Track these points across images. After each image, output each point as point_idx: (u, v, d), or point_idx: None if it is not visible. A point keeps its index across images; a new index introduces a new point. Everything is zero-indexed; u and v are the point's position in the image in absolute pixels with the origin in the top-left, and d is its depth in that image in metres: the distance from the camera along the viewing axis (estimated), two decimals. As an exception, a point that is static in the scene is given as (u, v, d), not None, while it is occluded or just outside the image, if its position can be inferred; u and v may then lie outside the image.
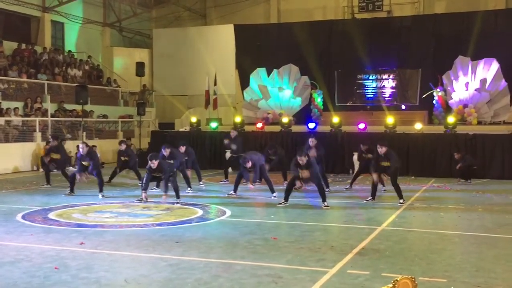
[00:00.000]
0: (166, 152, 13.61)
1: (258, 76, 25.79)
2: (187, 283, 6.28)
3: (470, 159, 16.29)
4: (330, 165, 18.17)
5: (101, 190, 13.19)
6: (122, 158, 15.61)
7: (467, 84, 22.88)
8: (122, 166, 15.76)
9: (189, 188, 13.93)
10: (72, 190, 13.44)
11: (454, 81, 23.27)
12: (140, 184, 15.12)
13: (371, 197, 12.38)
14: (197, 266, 6.99)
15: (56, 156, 15.00)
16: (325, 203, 11.56)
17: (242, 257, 7.42)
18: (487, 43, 22.75)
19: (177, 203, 11.93)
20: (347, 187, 14.70)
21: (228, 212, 10.97)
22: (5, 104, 20.11)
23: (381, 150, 12.22)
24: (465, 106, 22.25)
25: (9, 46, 23.83)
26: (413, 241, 8.72)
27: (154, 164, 11.97)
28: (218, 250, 7.89)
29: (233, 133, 16.49)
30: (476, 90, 22.51)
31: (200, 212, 11.11)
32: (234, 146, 15.91)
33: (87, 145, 13.62)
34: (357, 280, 6.40)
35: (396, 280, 3.67)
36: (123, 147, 15.82)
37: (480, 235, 9.08)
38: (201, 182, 15.25)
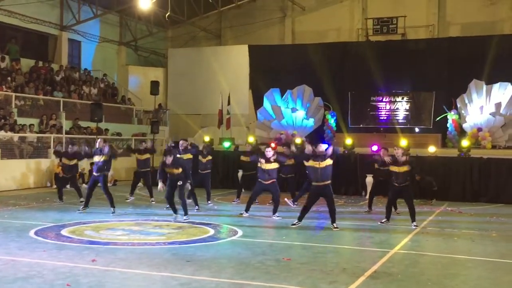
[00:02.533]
0: (182, 146, 13.98)
1: (271, 97, 25.92)
2: (198, 303, 6.26)
3: (429, 180, 16.45)
4: (343, 186, 18.14)
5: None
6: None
7: (481, 108, 22.80)
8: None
9: (197, 207, 13.92)
10: (86, 205, 13.52)
11: (468, 104, 23.22)
12: (152, 201, 15.27)
13: (385, 219, 12.27)
14: (208, 286, 6.97)
15: (73, 161, 14.93)
16: (334, 224, 11.56)
17: (253, 278, 7.39)
18: (502, 67, 22.72)
19: (185, 220, 11.90)
20: (366, 210, 14.36)
21: (240, 232, 10.94)
22: (21, 121, 20.33)
23: (398, 151, 12.07)
24: (479, 129, 22.15)
25: (27, 63, 24.17)
26: (426, 265, 8.63)
27: (168, 160, 12.05)
28: (229, 270, 7.87)
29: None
30: (490, 114, 22.42)
31: (211, 231, 11.09)
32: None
33: (104, 141, 13.96)
34: (369, 304, 6.35)
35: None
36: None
37: (495, 260, 8.98)
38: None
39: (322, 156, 11.34)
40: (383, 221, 12.27)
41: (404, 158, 12.06)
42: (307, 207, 11.79)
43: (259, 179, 12.95)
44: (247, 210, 13.25)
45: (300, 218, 11.79)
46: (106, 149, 13.47)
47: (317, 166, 11.33)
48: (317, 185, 11.49)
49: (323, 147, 11.49)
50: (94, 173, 13.58)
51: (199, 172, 15.07)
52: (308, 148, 11.74)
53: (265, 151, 13.10)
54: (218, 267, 7.97)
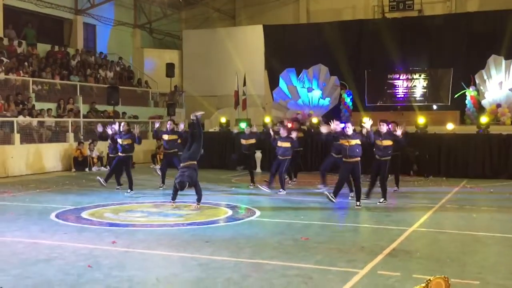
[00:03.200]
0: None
1: (287, 77, 25.79)
2: (217, 283, 6.32)
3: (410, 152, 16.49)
4: (362, 166, 18.03)
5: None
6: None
7: (500, 84, 22.49)
8: None
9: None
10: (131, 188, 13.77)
11: (487, 80, 22.91)
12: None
13: (383, 199, 12.17)
14: (227, 266, 7.02)
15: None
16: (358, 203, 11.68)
17: (272, 257, 7.42)
18: (522, 41, 22.33)
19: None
20: (395, 189, 14.03)
21: (258, 213, 10.98)
22: (39, 105, 20.51)
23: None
24: (499, 106, 21.88)
25: (43, 48, 24.30)
26: (445, 242, 8.60)
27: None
28: (247, 250, 7.91)
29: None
30: (510, 89, 22.10)
31: (229, 212, 11.15)
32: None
33: (128, 124, 14.16)
34: (388, 281, 6.35)
35: (429, 279, 3.62)
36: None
37: (514, 237, 8.92)
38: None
39: (351, 135, 11.59)
40: (381, 201, 12.13)
41: (384, 130, 12.07)
42: (341, 183, 11.90)
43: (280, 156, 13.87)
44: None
45: (335, 194, 11.75)
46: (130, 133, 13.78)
47: (346, 144, 11.54)
48: (346, 161, 11.68)
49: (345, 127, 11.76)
50: (120, 154, 13.72)
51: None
52: (329, 128, 12.05)
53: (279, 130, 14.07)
54: (237, 247, 8.02)
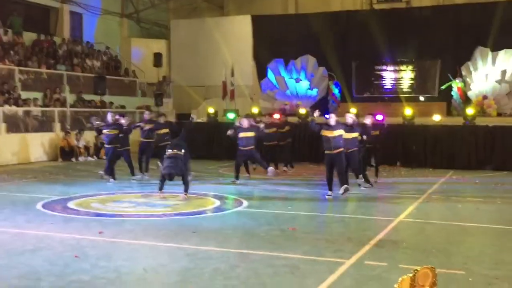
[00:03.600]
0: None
1: (275, 67, 25.77)
2: (205, 273, 6.32)
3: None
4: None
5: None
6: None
7: (486, 75, 22.63)
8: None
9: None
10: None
11: (473, 72, 23.05)
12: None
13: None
14: (214, 256, 7.03)
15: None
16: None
17: (259, 247, 7.45)
18: (508, 33, 22.42)
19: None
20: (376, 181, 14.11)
21: (245, 203, 10.99)
22: (25, 95, 20.32)
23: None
24: (485, 97, 22.04)
25: (29, 37, 24.05)
26: (431, 233, 8.66)
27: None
28: (235, 240, 7.93)
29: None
30: (496, 81, 22.26)
31: (217, 202, 11.15)
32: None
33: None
34: (375, 272, 6.40)
35: (416, 270, 3.65)
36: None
37: (500, 227, 9.02)
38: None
39: (333, 126, 11.47)
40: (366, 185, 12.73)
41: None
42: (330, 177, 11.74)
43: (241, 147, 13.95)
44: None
45: (330, 189, 11.64)
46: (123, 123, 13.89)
47: (330, 135, 11.42)
48: (329, 153, 11.49)
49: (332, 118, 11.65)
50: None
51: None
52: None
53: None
54: (224, 238, 8.03)
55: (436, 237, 8.34)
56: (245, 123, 14.09)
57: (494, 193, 12.63)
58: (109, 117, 14.35)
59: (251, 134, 13.91)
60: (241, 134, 13.91)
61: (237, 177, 13.86)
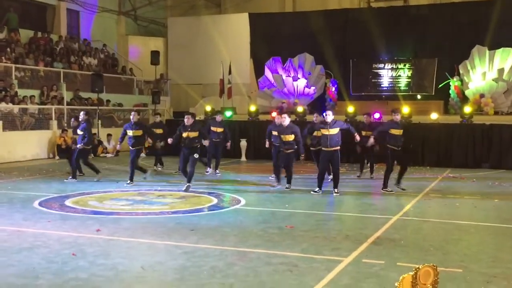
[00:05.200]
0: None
1: (272, 65, 25.75)
2: (203, 271, 6.32)
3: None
4: (346, 154, 18.13)
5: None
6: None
7: (484, 74, 22.65)
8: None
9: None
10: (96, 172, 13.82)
11: (470, 70, 23.05)
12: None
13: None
14: (212, 254, 7.02)
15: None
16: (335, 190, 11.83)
17: (256, 246, 7.44)
18: (506, 32, 22.46)
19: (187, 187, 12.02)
20: (358, 175, 14.93)
21: (243, 201, 10.99)
22: (22, 92, 20.26)
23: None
24: (482, 96, 22.04)
25: (26, 34, 23.97)
26: (429, 231, 8.67)
27: (188, 120, 12.14)
28: (233, 238, 7.92)
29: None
30: (493, 80, 22.27)
31: (214, 200, 11.15)
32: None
33: (138, 113, 14.45)
34: (372, 269, 6.40)
35: (418, 268, 3.64)
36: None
37: (497, 225, 9.04)
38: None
39: (329, 123, 11.69)
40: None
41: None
42: (322, 174, 12.04)
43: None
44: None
45: (320, 186, 11.91)
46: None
47: (327, 133, 11.63)
48: (326, 150, 11.75)
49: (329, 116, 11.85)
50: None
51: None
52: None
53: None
54: (222, 236, 8.02)
55: (434, 235, 8.34)
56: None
57: (491, 191, 12.65)
58: (133, 117, 13.56)
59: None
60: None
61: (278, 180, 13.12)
